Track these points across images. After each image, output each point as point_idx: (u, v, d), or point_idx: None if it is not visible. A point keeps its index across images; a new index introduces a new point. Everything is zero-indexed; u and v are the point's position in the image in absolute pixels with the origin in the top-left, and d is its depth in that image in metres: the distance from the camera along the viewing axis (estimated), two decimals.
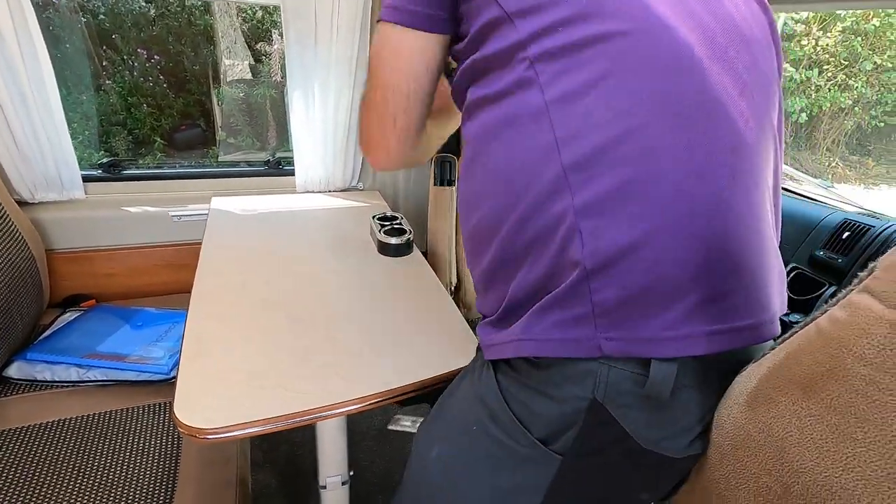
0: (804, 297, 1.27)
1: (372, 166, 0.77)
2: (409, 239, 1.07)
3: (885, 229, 1.23)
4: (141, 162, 1.81)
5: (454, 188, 1.32)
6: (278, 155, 1.49)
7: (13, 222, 1.09)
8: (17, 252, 1.07)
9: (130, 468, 0.84)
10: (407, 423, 1.31)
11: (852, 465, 0.33)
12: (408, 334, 0.79)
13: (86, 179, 1.26)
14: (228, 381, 0.66)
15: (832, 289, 1.25)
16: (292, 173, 1.44)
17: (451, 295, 1.37)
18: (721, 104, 0.41)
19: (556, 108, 0.42)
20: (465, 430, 0.52)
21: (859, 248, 1.23)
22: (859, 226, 1.26)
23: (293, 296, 0.87)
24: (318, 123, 1.31)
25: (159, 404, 0.99)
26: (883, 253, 1.07)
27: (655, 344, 0.40)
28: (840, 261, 1.25)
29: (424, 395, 0.70)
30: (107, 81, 2.22)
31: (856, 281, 0.36)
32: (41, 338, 1.10)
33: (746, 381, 0.43)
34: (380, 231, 1.08)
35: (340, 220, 1.25)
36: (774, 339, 0.43)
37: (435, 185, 1.39)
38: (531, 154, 0.43)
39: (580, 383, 0.43)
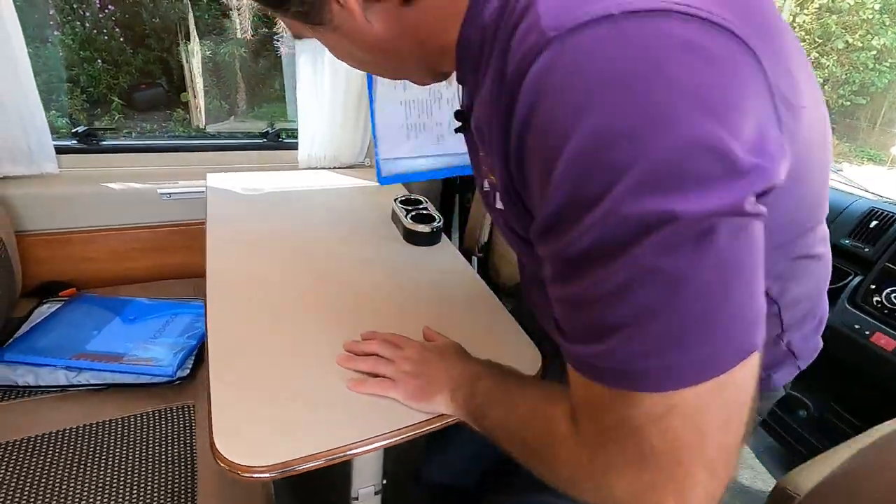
0: (829, 286, 1.25)
1: None
2: (438, 227, 0.97)
3: None
4: (115, 131, 1.60)
5: None
6: (277, 126, 1.35)
7: None
8: None
9: (139, 486, 0.75)
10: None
11: None
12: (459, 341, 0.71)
13: (59, 151, 1.09)
14: (269, 405, 0.57)
15: (858, 279, 1.24)
16: (293, 147, 1.31)
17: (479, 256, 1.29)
18: None
19: None
20: None
21: (887, 237, 1.21)
22: (888, 214, 1.24)
23: (321, 294, 0.76)
24: (328, 92, 1.17)
25: (165, 410, 0.88)
26: None
27: None
28: (867, 250, 1.23)
29: None
30: (54, 33, 1.97)
31: None
32: (17, 334, 0.96)
33: None
34: (406, 217, 0.98)
35: (354, 202, 1.14)
36: None
37: None
38: None
39: None
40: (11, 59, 0.91)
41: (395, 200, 1.04)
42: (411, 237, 0.97)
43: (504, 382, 0.52)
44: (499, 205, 0.45)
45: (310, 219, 1.01)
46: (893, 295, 1.14)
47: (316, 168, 1.30)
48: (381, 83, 1.04)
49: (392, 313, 0.73)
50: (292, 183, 1.18)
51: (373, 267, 0.86)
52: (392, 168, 1.11)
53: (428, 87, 1.00)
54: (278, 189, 1.13)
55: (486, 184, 0.51)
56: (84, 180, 1.13)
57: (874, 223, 1.24)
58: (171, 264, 1.25)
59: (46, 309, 1.05)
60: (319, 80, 1.16)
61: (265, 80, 2.36)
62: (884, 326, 1.13)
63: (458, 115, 0.53)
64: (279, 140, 1.33)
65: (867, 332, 1.15)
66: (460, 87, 0.49)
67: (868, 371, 1.18)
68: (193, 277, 1.28)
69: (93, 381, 0.90)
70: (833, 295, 1.23)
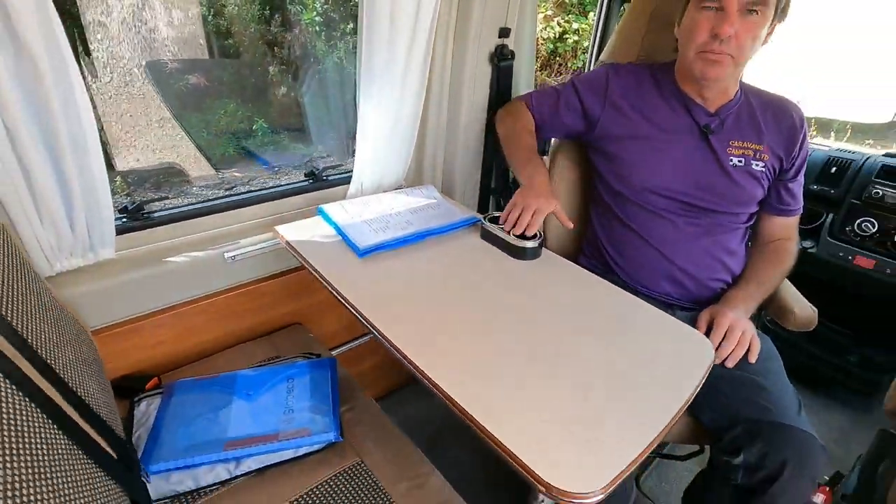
0: (809, 226, 1.53)
1: None
2: (543, 239, 1.04)
3: (864, 162, 1.52)
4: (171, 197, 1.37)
5: (546, 159, 1.30)
6: (322, 165, 1.30)
7: (62, 306, 0.82)
8: (78, 340, 0.81)
9: None
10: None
11: None
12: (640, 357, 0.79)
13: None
14: (555, 427, 0.62)
15: (832, 216, 1.53)
16: (341, 182, 1.28)
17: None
18: None
19: None
20: None
21: (847, 179, 1.52)
22: (843, 160, 1.54)
23: (491, 326, 0.80)
24: (387, 125, 1.17)
25: (340, 473, 0.87)
26: (867, 183, 1.48)
27: None
28: (833, 192, 1.53)
29: None
30: None
31: None
32: (138, 442, 0.88)
33: None
34: (508, 234, 1.03)
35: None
36: None
37: None
38: None
39: None
40: (83, 145, 0.80)
41: (485, 219, 1.09)
42: (518, 253, 1.03)
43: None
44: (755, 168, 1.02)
45: (414, 250, 1.02)
46: (864, 224, 1.43)
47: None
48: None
49: (554, 323, 0.80)
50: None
51: (505, 285, 0.90)
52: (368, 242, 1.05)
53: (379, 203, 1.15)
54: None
55: (736, 159, 1.03)
56: (144, 260, 1.02)
57: (834, 169, 1.54)
58: (242, 328, 1.18)
59: (146, 407, 0.95)
60: (380, 122, 1.16)
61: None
62: (862, 250, 1.43)
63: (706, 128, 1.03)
64: (326, 179, 1.29)
65: (850, 257, 1.44)
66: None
67: (853, 289, 1.48)
68: (264, 336, 1.22)
69: (255, 467, 0.86)
70: (814, 232, 1.52)
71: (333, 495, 0.84)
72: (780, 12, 0.92)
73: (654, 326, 0.82)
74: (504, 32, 1.25)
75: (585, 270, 1.00)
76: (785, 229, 1.11)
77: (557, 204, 1.02)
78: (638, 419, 0.64)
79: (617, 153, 1.09)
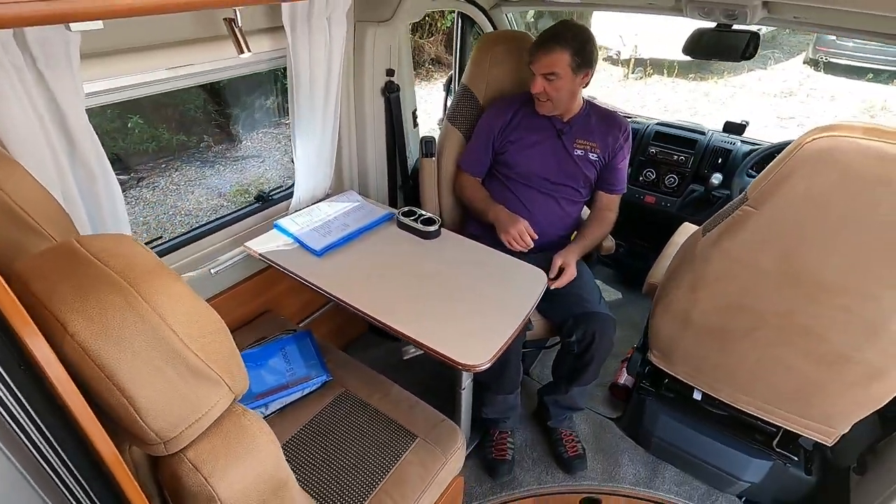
0: None
1: None
2: (441, 223, 1.54)
3: (646, 128, 2.20)
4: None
5: (434, 159, 1.77)
6: (260, 190, 1.67)
7: None
8: None
9: (368, 433, 1.25)
10: (413, 351, 1.86)
11: None
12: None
13: None
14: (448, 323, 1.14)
15: (630, 169, 2.21)
16: (281, 199, 1.66)
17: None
18: None
19: None
20: None
21: (636, 141, 2.20)
22: (635, 128, 2.21)
23: (414, 282, 1.29)
24: (314, 150, 1.57)
25: (341, 396, 1.35)
26: (647, 144, 2.18)
27: None
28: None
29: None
30: None
31: None
32: None
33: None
34: (418, 223, 1.52)
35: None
36: None
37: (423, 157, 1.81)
38: None
39: None
40: (116, 218, 1.13)
41: (399, 213, 1.56)
42: (427, 236, 1.52)
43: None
44: (591, 157, 1.60)
45: (358, 244, 1.47)
46: (647, 173, 2.13)
47: (300, 209, 1.69)
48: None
49: (454, 275, 1.33)
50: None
51: (419, 257, 1.41)
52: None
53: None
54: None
55: (578, 151, 1.59)
56: None
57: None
58: (229, 322, 1.56)
59: None
60: (308, 149, 1.55)
61: None
62: (648, 191, 2.13)
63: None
64: (271, 198, 1.66)
65: (642, 197, 2.14)
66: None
67: (648, 217, 2.19)
68: (246, 324, 1.61)
69: (277, 408, 1.30)
70: None
71: (334, 413, 1.32)
72: (581, 67, 1.47)
73: (512, 269, 1.38)
74: (390, 72, 1.69)
75: (470, 240, 1.53)
76: (609, 202, 1.70)
77: (525, 221, 1.54)
78: (505, 320, 1.19)
79: (506, 153, 1.65)
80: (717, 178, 1.92)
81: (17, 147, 0.88)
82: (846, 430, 1.24)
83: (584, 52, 1.45)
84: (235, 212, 1.59)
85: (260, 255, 1.42)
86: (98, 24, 0.92)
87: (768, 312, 1.11)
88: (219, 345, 0.60)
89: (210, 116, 4.40)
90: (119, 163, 3.76)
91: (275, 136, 4.60)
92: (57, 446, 0.52)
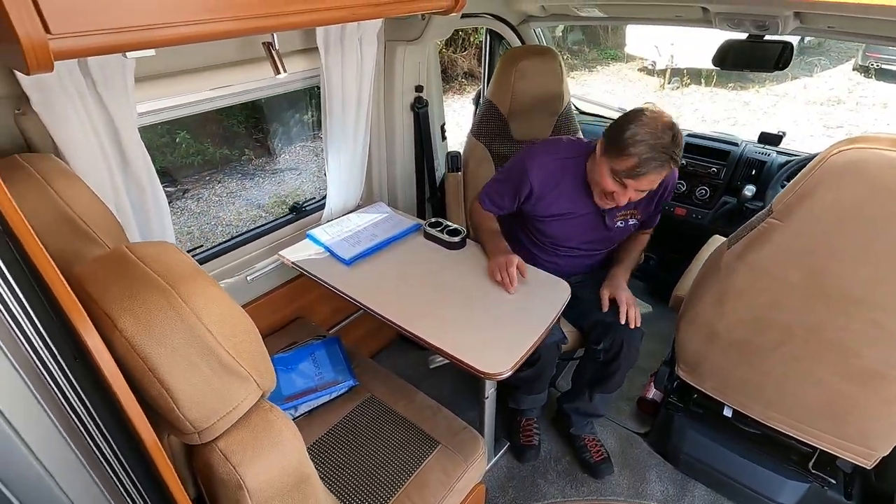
0: None
1: None
2: (466, 234, 1.57)
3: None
4: None
5: (460, 174, 1.81)
6: (295, 202, 1.75)
7: None
8: None
9: (392, 438, 1.29)
10: (439, 360, 1.90)
11: None
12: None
13: None
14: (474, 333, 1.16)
15: None
16: (314, 211, 1.74)
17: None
18: None
19: None
20: None
21: None
22: None
23: (440, 292, 1.33)
24: (346, 163, 1.64)
25: (367, 401, 1.39)
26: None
27: None
28: None
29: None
30: None
31: None
32: None
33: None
34: (444, 233, 1.56)
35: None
36: None
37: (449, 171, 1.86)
38: None
39: None
40: (163, 229, 1.22)
41: (427, 225, 1.60)
42: (453, 246, 1.56)
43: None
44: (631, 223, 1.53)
45: (385, 254, 1.52)
46: (677, 185, 2.10)
47: (331, 220, 1.76)
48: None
49: (481, 286, 1.35)
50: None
51: (446, 267, 1.44)
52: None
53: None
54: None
55: (619, 223, 1.52)
56: None
57: None
58: (263, 328, 1.63)
59: None
60: (340, 163, 1.62)
61: None
62: (679, 203, 2.10)
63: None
64: (305, 209, 1.74)
65: (673, 209, 2.11)
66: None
67: (678, 228, 2.16)
68: (279, 330, 1.68)
69: (305, 411, 1.35)
70: None
71: (360, 417, 1.36)
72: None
73: (535, 279, 1.40)
74: (419, 88, 1.75)
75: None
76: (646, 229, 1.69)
77: (517, 258, 1.37)
78: (527, 330, 1.20)
79: (543, 223, 1.57)
80: (749, 190, 1.87)
81: (77, 163, 0.98)
82: (887, 453, 1.18)
83: None
84: (271, 222, 1.67)
85: (293, 263, 1.49)
86: (150, 52, 1.01)
87: (796, 326, 1.09)
88: (249, 344, 0.65)
89: (251, 131, 4.61)
90: (167, 176, 3.99)
91: (311, 150, 4.77)
92: (106, 432, 0.57)
